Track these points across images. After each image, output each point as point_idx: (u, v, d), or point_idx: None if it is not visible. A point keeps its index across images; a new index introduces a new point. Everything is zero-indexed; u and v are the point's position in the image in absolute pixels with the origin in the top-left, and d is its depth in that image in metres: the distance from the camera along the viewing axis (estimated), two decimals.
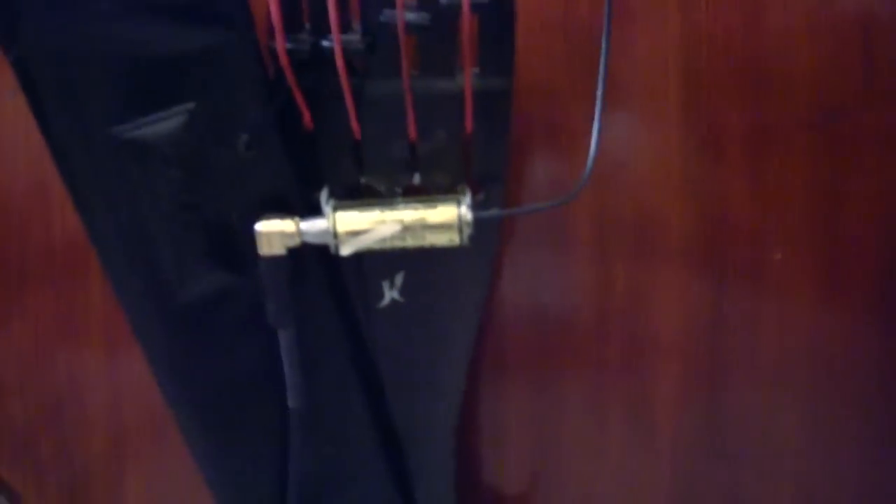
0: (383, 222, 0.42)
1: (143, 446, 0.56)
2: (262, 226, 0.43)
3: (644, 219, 0.50)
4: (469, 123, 0.44)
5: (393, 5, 0.41)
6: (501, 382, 0.53)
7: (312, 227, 0.43)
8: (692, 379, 0.53)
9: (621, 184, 0.50)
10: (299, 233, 0.43)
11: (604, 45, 0.43)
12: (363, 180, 0.45)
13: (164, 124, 0.42)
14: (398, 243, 0.43)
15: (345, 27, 0.42)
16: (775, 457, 0.54)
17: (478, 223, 0.43)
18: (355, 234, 0.42)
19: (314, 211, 0.44)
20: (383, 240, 0.42)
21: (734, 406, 0.53)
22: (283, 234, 0.43)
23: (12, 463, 0.57)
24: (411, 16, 0.42)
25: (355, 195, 0.45)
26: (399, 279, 0.47)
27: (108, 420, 0.56)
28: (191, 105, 0.42)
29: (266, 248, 0.43)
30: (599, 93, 0.44)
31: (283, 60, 0.42)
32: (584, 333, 0.52)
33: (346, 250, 0.43)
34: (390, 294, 0.47)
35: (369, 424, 0.50)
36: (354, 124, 0.44)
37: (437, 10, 0.42)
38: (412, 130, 0.44)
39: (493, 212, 0.45)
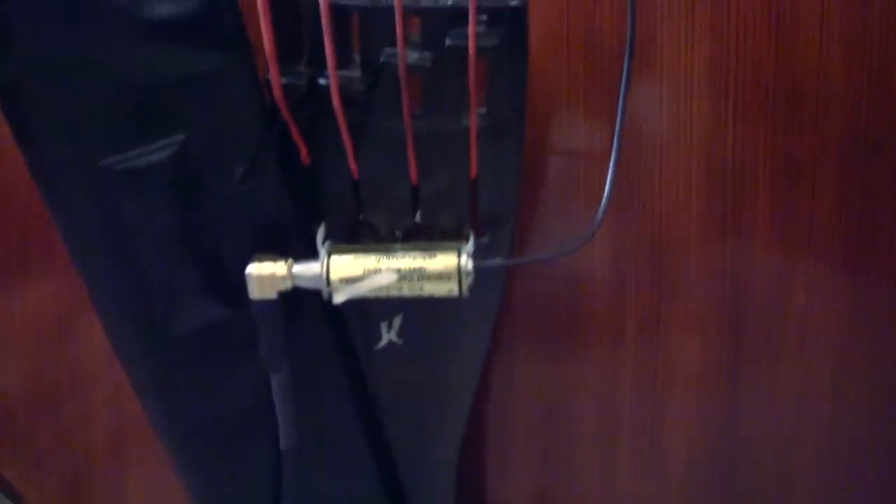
0: (379, 271, 0.40)
1: (145, 442, 0.55)
2: (253, 269, 0.41)
3: (662, 249, 0.48)
4: (474, 169, 0.41)
5: (395, 40, 0.38)
6: (508, 403, 0.52)
7: (305, 271, 0.41)
8: (707, 414, 0.51)
9: (640, 212, 0.48)
10: (291, 277, 0.41)
11: (625, 74, 0.41)
12: (362, 217, 0.43)
13: (158, 154, 0.40)
14: (394, 292, 0.41)
15: (345, 61, 0.40)
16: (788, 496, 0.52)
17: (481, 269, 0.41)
18: (349, 281, 0.41)
19: (311, 245, 0.42)
20: (378, 289, 0.40)
21: (748, 447, 0.52)
22: (274, 278, 0.41)
23: (13, 460, 0.57)
24: (414, 55, 0.39)
25: (354, 233, 0.43)
26: (397, 321, 0.45)
27: (109, 415, 0.55)
28: (185, 135, 0.40)
29: (257, 292, 0.41)
30: (618, 124, 0.41)
31: (278, 95, 0.40)
32: (597, 361, 0.50)
33: (339, 298, 0.41)
34: (388, 336, 0.46)
35: (369, 460, 0.49)
36: (352, 163, 0.41)
37: (441, 51, 0.39)
38: (413, 173, 0.41)
39: (496, 261, 0.43)
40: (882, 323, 0.49)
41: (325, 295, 0.41)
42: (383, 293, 0.41)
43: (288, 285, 0.41)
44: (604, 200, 0.41)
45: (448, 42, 0.39)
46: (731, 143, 0.47)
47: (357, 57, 0.40)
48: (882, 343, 0.49)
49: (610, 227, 0.47)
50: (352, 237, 0.43)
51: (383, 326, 0.45)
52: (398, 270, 0.40)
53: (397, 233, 0.43)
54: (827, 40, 0.45)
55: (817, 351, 0.50)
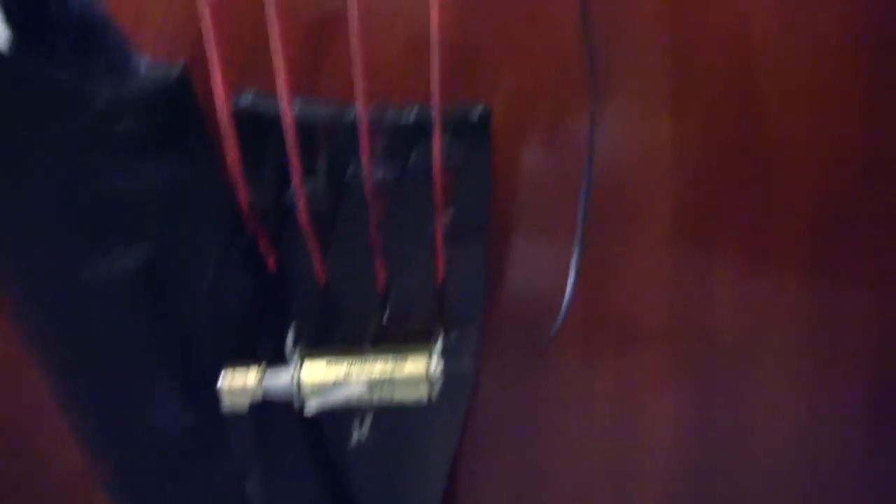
0: (350, 376, 0.41)
1: None
2: (224, 381, 0.41)
3: (629, 323, 0.48)
4: (441, 275, 0.41)
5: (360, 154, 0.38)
6: (481, 474, 0.52)
7: (276, 379, 0.41)
8: (679, 481, 0.52)
9: (607, 286, 0.48)
10: (262, 389, 0.41)
11: (587, 169, 0.41)
12: (330, 322, 0.44)
13: (125, 266, 0.40)
14: (365, 400, 0.41)
15: (311, 169, 0.40)
16: None
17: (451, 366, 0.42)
18: (321, 388, 0.41)
19: (281, 350, 0.42)
20: (349, 398, 0.41)
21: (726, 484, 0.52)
22: (245, 390, 0.41)
23: None
24: (380, 170, 0.39)
25: (322, 336, 0.43)
26: (368, 419, 0.46)
27: (72, 454, 0.54)
28: (151, 246, 0.40)
29: (229, 404, 0.41)
30: (581, 217, 0.41)
31: (245, 210, 0.40)
32: (570, 442, 0.51)
33: (311, 408, 0.41)
34: (358, 435, 0.46)
35: None
36: (319, 270, 0.42)
37: (406, 165, 0.39)
38: (381, 280, 0.42)
39: (465, 364, 0.43)
40: (845, 385, 0.50)
41: (296, 404, 0.41)
42: (354, 402, 0.41)
43: (259, 396, 0.41)
44: (566, 298, 0.41)
45: (413, 159, 0.39)
46: (696, 224, 0.47)
47: (323, 165, 0.40)
48: (847, 405, 0.50)
49: (578, 298, 0.47)
50: (320, 341, 0.43)
51: (355, 425, 0.46)
52: (369, 380, 0.41)
53: (366, 336, 0.43)
54: (791, 119, 0.45)
55: (782, 421, 0.50)
